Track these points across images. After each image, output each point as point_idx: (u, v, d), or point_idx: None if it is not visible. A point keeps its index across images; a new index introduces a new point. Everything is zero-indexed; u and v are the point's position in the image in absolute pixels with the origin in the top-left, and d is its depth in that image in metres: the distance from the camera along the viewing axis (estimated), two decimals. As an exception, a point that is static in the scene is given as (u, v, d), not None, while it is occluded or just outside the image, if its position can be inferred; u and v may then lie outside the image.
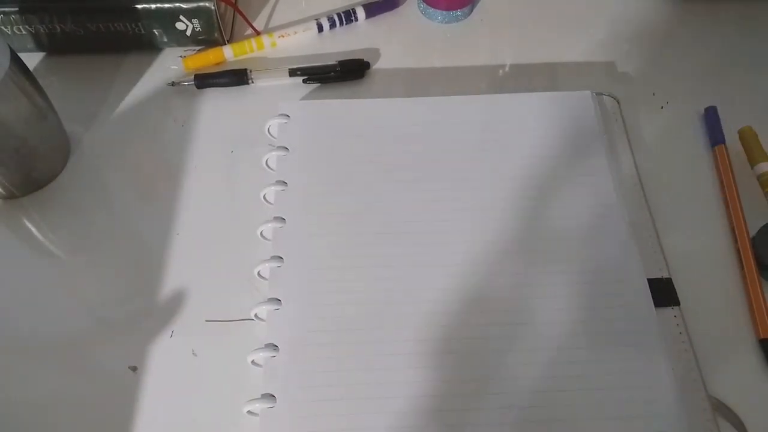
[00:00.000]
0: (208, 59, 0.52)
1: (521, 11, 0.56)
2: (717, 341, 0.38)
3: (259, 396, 0.34)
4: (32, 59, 0.52)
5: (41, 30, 0.50)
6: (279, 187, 0.42)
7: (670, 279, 0.39)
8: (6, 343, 0.38)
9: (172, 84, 0.50)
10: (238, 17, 0.55)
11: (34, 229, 0.43)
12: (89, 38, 0.50)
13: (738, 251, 0.41)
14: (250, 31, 0.54)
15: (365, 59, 0.51)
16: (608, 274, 0.38)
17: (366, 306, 0.37)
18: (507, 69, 0.52)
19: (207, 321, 0.39)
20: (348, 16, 0.54)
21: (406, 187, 0.42)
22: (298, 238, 0.40)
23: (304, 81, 0.50)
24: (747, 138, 0.46)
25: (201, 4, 0.49)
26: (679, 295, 0.39)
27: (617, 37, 0.54)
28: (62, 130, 0.46)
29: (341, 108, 0.46)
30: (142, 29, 0.50)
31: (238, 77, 0.50)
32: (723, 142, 0.45)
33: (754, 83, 0.50)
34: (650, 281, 0.38)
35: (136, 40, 0.51)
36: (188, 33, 0.51)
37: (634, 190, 0.43)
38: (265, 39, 0.53)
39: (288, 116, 0.45)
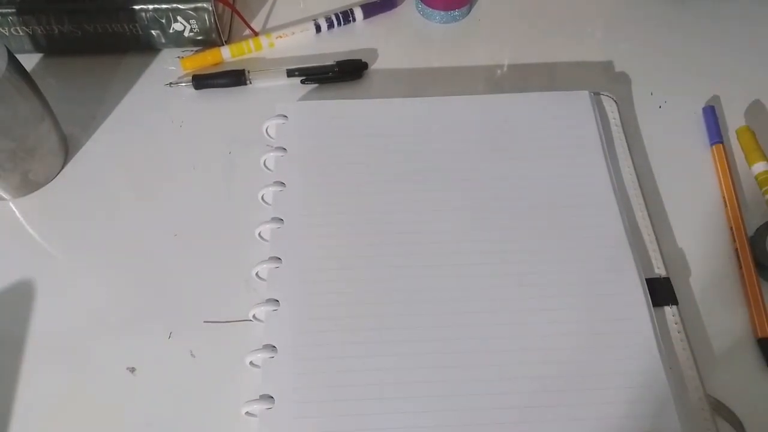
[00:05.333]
0: (206, 60, 0.52)
1: (519, 11, 0.56)
2: (715, 341, 0.38)
3: (258, 397, 0.34)
4: (30, 60, 0.52)
5: (39, 31, 0.49)
6: (277, 188, 0.42)
7: (669, 278, 0.39)
8: (4, 343, 0.38)
9: (170, 85, 0.50)
10: (236, 18, 0.55)
11: (32, 231, 0.43)
12: (87, 39, 0.50)
13: (736, 251, 0.41)
14: (248, 31, 0.54)
15: (363, 60, 0.51)
16: (606, 274, 0.38)
17: (364, 306, 0.37)
18: (505, 69, 0.52)
19: (205, 322, 0.39)
20: (346, 16, 0.54)
21: (403, 188, 0.42)
22: (296, 238, 0.40)
23: (302, 81, 0.50)
24: (745, 138, 0.46)
25: (199, 4, 0.49)
26: (677, 295, 0.39)
27: (615, 37, 0.54)
28: (60, 132, 0.46)
29: (339, 108, 0.46)
30: (139, 30, 0.50)
31: (236, 78, 0.50)
32: (721, 141, 0.45)
33: (752, 83, 0.50)
34: (648, 280, 0.38)
35: (134, 41, 0.51)
36: (186, 34, 0.51)
37: (632, 190, 0.43)
38: (263, 39, 0.53)
39: (286, 117, 0.45)
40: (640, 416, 0.33)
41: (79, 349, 0.38)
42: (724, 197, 0.43)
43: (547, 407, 0.34)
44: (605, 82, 0.51)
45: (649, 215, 0.42)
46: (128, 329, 0.39)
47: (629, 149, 0.45)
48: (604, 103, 0.48)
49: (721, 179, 0.44)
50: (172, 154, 0.47)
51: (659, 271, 0.40)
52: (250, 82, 0.50)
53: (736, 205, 0.42)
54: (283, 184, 0.42)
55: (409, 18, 0.56)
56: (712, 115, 0.47)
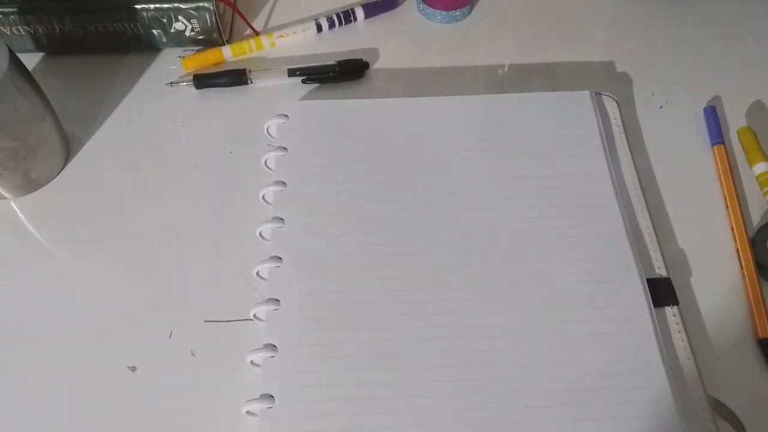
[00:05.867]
0: (207, 59, 0.52)
1: (520, 11, 0.56)
2: (716, 341, 0.38)
3: (258, 396, 0.34)
4: (31, 60, 0.52)
5: (40, 30, 0.50)
6: (278, 188, 0.42)
7: (669, 279, 0.39)
8: (5, 343, 0.38)
9: (171, 84, 0.50)
10: (237, 17, 0.55)
11: (33, 230, 0.43)
12: (88, 38, 0.50)
13: (737, 251, 0.41)
14: (249, 31, 0.54)
15: (364, 59, 0.51)
16: (606, 274, 0.38)
17: (365, 306, 0.37)
18: (506, 69, 0.52)
19: (206, 321, 0.39)
20: (347, 16, 0.54)
21: (404, 187, 0.42)
22: (296, 238, 0.40)
23: (303, 81, 0.50)
24: (746, 138, 0.46)
25: (200, 4, 0.49)
26: (678, 295, 0.39)
27: (616, 37, 0.54)
28: (61, 131, 0.46)
29: (340, 108, 0.46)
30: (141, 29, 0.50)
31: (237, 77, 0.50)
32: (722, 141, 0.45)
33: (753, 83, 0.50)
34: (649, 281, 0.38)
35: (135, 41, 0.51)
36: (187, 33, 0.51)
37: (633, 190, 0.43)
38: (264, 39, 0.53)
39: (287, 116, 0.45)
40: (641, 417, 0.33)
41: (80, 347, 0.38)
42: (725, 197, 0.43)
43: (547, 407, 0.34)
44: (606, 83, 0.51)
45: (650, 215, 0.42)
46: (129, 328, 0.39)
47: (630, 149, 0.45)
48: (606, 104, 0.48)
49: (722, 179, 0.44)
50: (173, 154, 0.47)
51: (660, 271, 0.40)
52: (251, 82, 0.50)
53: (737, 205, 0.42)
54: (284, 183, 0.42)
55: (410, 18, 0.56)
56: (713, 115, 0.47)
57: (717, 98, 0.49)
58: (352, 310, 0.37)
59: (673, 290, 0.39)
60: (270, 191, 0.42)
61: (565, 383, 0.35)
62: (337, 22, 0.54)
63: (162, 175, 0.46)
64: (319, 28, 0.54)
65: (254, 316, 0.38)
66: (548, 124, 0.45)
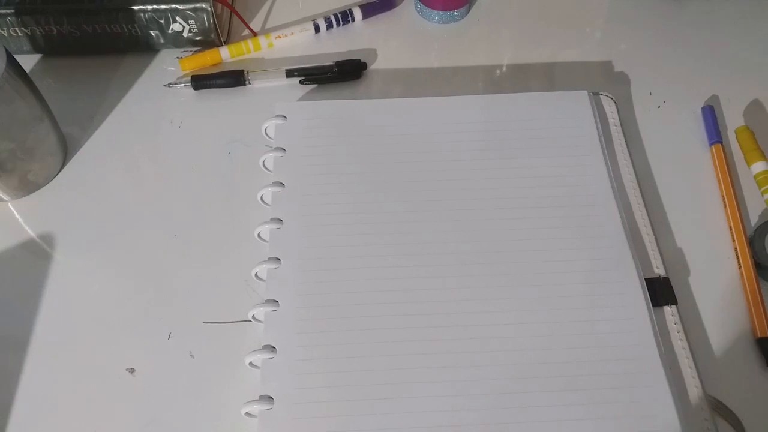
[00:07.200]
0: (204, 60, 0.52)
1: (518, 11, 0.56)
2: (715, 340, 0.38)
3: (257, 398, 0.34)
4: (29, 61, 0.52)
5: (37, 32, 0.49)
6: (276, 189, 0.42)
7: (668, 278, 0.39)
8: (4, 344, 0.38)
9: (169, 85, 0.50)
10: (235, 18, 0.55)
11: (30, 232, 0.43)
12: (86, 40, 0.50)
13: (735, 250, 0.41)
14: (246, 32, 0.54)
15: (362, 60, 0.51)
16: (605, 274, 0.38)
17: (363, 307, 0.37)
18: (504, 69, 0.52)
19: (205, 323, 0.39)
20: (345, 16, 0.54)
21: (403, 188, 0.42)
22: (295, 239, 0.40)
23: (301, 82, 0.50)
24: (744, 137, 0.46)
25: (198, 5, 0.49)
26: (676, 295, 0.39)
27: (614, 37, 0.54)
28: (59, 132, 0.46)
29: (338, 109, 0.46)
30: (138, 30, 0.50)
31: (235, 78, 0.50)
32: (720, 141, 0.45)
33: (751, 82, 0.50)
34: (648, 280, 0.38)
35: (133, 42, 0.51)
36: (185, 34, 0.51)
37: (631, 190, 0.43)
38: (261, 40, 0.53)
39: (285, 117, 0.45)
40: (640, 416, 0.34)
41: (78, 349, 0.38)
42: (723, 197, 0.43)
43: (546, 407, 0.34)
44: (604, 82, 0.51)
45: (649, 215, 0.42)
46: (127, 330, 0.39)
47: (628, 149, 0.45)
48: (603, 103, 0.48)
49: (720, 179, 0.44)
50: (171, 155, 0.47)
51: (658, 270, 0.40)
52: (249, 83, 0.50)
53: (735, 204, 0.42)
54: (282, 184, 0.42)
55: (408, 18, 0.56)
56: (711, 114, 0.47)
57: (715, 98, 0.49)
58: (350, 311, 0.37)
59: (672, 290, 0.39)
60: (268, 192, 0.42)
61: (565, 383, 0.35)
62: (334, 23, 0.54)
63: (160, 177, 0.46)
64: (317, 29, 0.54)
65: (253, 317, 0.38)
66: (546, 124, 0.45)
